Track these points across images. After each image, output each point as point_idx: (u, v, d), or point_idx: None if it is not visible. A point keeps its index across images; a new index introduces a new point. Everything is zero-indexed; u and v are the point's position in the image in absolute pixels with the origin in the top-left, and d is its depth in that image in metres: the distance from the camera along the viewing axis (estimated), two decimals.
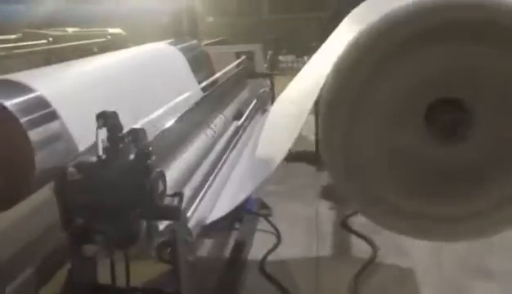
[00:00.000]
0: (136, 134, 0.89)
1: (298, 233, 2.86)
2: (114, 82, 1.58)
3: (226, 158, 1.68)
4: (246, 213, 2.90)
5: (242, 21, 9.40)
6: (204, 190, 1.35)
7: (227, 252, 2.58)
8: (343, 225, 2.90)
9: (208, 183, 1.40)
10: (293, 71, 6.93)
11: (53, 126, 1.19)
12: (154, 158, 0.90)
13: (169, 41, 2.49)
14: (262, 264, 2.51)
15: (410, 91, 1.24)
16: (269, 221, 2.94)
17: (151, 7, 5.34)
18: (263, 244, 2.70)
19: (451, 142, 1.29)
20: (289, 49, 8.70)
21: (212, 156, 1.65)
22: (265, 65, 3.58)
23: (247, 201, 2.99)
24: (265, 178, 1.38)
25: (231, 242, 2.67)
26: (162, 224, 1.10)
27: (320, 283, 2.36)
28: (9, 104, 1.10)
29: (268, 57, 3.91)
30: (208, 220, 1.28)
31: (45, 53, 3.08)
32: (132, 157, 0.88)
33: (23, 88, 1.20)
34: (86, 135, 1.24)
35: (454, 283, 2.29)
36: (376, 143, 1.29)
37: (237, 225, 2.84)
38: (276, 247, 2.69)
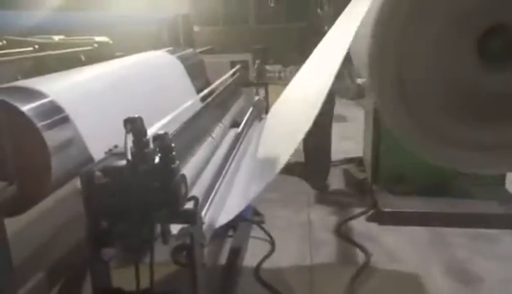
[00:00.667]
0: (162, 139, 0.91)
1: (292, 239, 2.90)
2: (120, 88, 1.60)
3: (230, 164, 1.71)
4: (240, 220, 2.92)
5: (229, 31, 9.48)
6: (212, 195, 1.38)
7: (223, 260, 2.59)
8: (338, 233, 2.95)
9: (216, 188, 1.43)
10: (281, 80, 7.01)
11: (67, 131, 1.20)
12: (177, 162, 0.92)
13: (167, 49, 2.52)
14: (257, 270, 2.53)
15: (462, 14, 1.22)
16: (263, 228, 2.97)
17: (139, 16, 5.34)
18: (258, 251, 2.73)
19: (504, 69, 1.27)
20: (276, 59, 8.79)
21: (215, 162, 1.68)
22: (253, 75, 3.64)
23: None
24: (270, 180, 1.41)
25: (226, 250, 2.68)
26: (175, 229, 1.13)
27: (314, 287, 2.40)
28: (25, 109, 1.11)
29: (256, 67, 3.97)
30: (218, 224, 1.31)
31: (31, 60, 3.04)
32: (157, 161, 0.90)
33: (36, 94, 1.22)
34: (96, 140, 1.27)
35: (444, 288, 2.36)
36: (429, 72, 1.27)
37: (231, 233, 2.86)
38: (270, 254, 2.71)
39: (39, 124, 1.10)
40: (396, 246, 2.75)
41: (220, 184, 1.48)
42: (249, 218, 3.05)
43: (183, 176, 0.96)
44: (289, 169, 3.69)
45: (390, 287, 2.39)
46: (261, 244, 2.84)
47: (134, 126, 0.88)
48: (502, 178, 3.26)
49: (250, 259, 2.66)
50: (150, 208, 0.90)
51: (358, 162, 4.11)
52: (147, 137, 0.91)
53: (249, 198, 1.46)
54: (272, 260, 2.67)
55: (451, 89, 1.29)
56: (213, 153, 1.84)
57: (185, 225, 1.08)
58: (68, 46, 3.60)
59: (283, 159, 1.46)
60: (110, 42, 4.21)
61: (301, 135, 1.46)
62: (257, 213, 3.21)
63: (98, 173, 0.91)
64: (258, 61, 4.09)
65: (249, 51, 4.42)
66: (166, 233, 1.05)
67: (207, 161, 1.71)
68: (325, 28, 3.24)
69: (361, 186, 3.64)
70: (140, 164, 0.89)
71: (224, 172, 1.58)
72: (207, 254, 2.60)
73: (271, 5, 9.56)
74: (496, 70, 1.27)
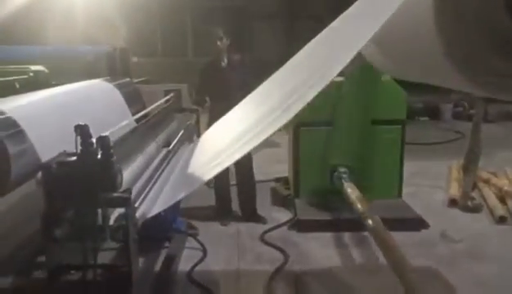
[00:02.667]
0: (103, 140, 1.24)
1: (222, 247, 3.23)
2: (65, 108, 1.90)
3: (160, 173, 2.04)
4: (175, 232, 3.21)
5: (167, 62, 9.82)
6: (143, 196, 1.70)
7: (158, 267, 2.86)
8: (262, 240, 3.33)
9: (149, 187, 1.76)
10: None
11: (22, 141, 1.50)
12: (115, 157, 1.25)
13: (105, 78, 2.83)
14: (190, 273, 2.84)
15: None
16: (196, 239, 3.29)
17: (77, 48, 5.58)
18: (193, 258, 3.03)
19: None
20: None
21: (148, 171, 2.01)
22: (194, 106, 3.97)
23: (175, 221, 3.32)
24: (192, 190, 1.75)
25: (162, 258, 2.95)
26: (113, 216, 1.44)
27: (240, 285, 2.75)
28: None
29: (194, 97, 4.30)
30: (150, 214, 1.63)
31: None
32: (99, 156, 1.22)
33: None
34: (45, 148, 1.56)
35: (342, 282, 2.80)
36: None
37: (167, 244, 3.14)
38: (202, 259, 3.03)
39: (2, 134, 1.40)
40: (310, 247, 3.19)
41: (153, 185, 1.81)
42: (183, 230, 3.35)
43: (119, 168, 1.29)
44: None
45: (305, 279, 2.79)
46: (195, 253, 3.14)
47: (82, 130, 1.21)
48: (400, 192, 3.86)
49: (184, 265, 2.95)
50: (93, 193, 1.22)
51: (284, 181, 4.56)
52: (91, 139, 1.23)
53: (175, 199, 1.80)
54: (204, 265, 2.98)
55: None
56: (146, 165, 2.17)
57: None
58: (2, 74, 3.77)
59: (205, 178, 1.80)
60: (46, 71, 4.40)
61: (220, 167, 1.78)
62: (191, 226, 3.52)
63: (54, 166, 1.21)
64: (194, 91, 4.39)
65: (187, 82, 4.78)
66: (106, 217, 1.37)
67: (141, 170, 2.03)
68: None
69: (285, 201, 4.07)
70: (86, 159, 1.21)
71: (155, 178, 1.92)
72: (143, 262, 2.87)
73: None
74: None
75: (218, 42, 3.66)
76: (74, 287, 1.35)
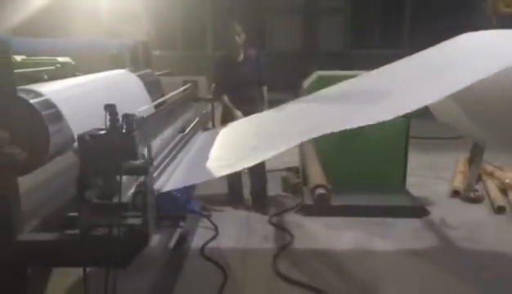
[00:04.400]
0: (127, 117, 1.48)
1: (232, 228, 3.48)
2: (93, 93, 2.16)
3: (174, 156, 2.29)
4: (190, 212, 3.47)
5: (187, 55, 10.12)
6: (158, 172, 1.95)
7: (172, 243, 3.12)
8: (270, 222, 3.57)
9: (164, 165, 2.01)
10: None
11: (59, 119, 1.76)
12: (136, 132, 1.50)
13: (129, 69, 3.09)
14: (202, 249, 3.09)
15: None
16: (209, 219, 3.54)
17: (99, 41, 5.85)
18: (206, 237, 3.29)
19: None
20: None
21: (165, 151, 2.25)
22: (209, 96, 4.19)
23: (189, 203, 3.57)
24: (208, 179, 1.95)
25: (176, 236, 3.21)
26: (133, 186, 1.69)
27: (247, 261, 2.99)
28: (33, 102, 1.66)
29: (211, 89, 4.53)
30: (164, 190, 1.86)
31: None
32: (124, 130, 1.47)
33: (37, 94, 1.77)
34: (78, 126, 1.81)
35: (349, 256, 3.01)
36: None
37: (182, 224, 3.40)
38: (214, 237, 3.28)
39: (43, 112, 1.66)
40: (314, 230, 3.40)
41: (167, 165, 2.06)
42: (197, 211, 3.61)
43: (139, 141, 1.53)
44: None
45: (307, 258, 3.01)
46: (207, 232, 3.40)
47: (111, 109, 1.46)
48: (403, 183, 4.03)
49: (197, 242, 3.21)
50: (119, 160, 1.46)
51: (295, 170, 4.77)
52: (118, 116, 1.48)
53: (193, 182, 2.00)
54: (215, 242, 3.23)
55: None
56: (162, 147, 2.42)
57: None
58: (31, 65, 4.06)
59: (227, 170, 1.95)
60: (73, 62, 4.69)
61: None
62: (205, 208, 3.78)
63: (88, 137, 1.46)
64: (213, 84, 4.55)
65: (206, 75, 5.00)
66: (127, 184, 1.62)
67: (158, 150, 2.29)
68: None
69: (295, 188, 4.29)
70: (113, 132, 1.45)
71: (169, 159, 2.17)
72: (159, 238, 3.13)
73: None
74: None
75: (236, 37, 3.80)
76: (100, 241, 1.60)
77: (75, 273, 2.08)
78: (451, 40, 2.51)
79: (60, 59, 4.55)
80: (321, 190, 2.02)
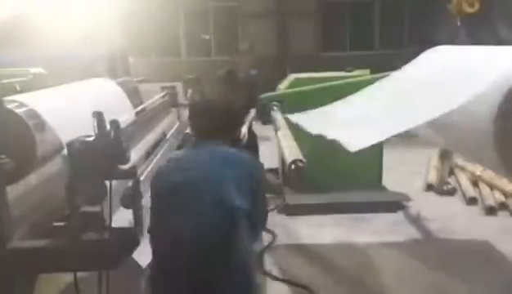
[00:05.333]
0: (115, 123, 1.53)
1: None
2: (75, 102, 2.19)
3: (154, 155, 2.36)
4: None
5: (161, 62, 10.11)
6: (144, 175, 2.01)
7: None
8: None
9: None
10: None
11: (44, 128, 1.79)
12: (124, 137, 1.55)
13: (108, 77, 3.12)
14: None
15: None
16: None
17: (73, 49, 5.79)
18: None
19: None
20: None
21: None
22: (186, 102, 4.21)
23: None
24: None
25: None
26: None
27: None
28: (19, 111, 1.69)
29: (188, 95, 4.55)
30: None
31: None
32: (112, 136, 1.52)
33: (22, 104, 1.80)
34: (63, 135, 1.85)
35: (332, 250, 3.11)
36: None
37: None
38: None
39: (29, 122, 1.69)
40: (296, 228, 3.50)
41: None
42: None
43: (128, 147, 1.58)
44: None
45: (291, 255, 3.10)
46: None
47: (99, 116, 1.51)
48: (380, 179, 4.18)
49: None
50: (108, 165, 1.51)
51: (275, 171, 4.86)
52: (105, 123, 1.53)
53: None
54: None
55: None
56: (145, 150, 2.47)
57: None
58: (2, 77, 4.01)
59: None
60: (45, 72, 4.64)
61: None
62: None
63: (77, 143, 1.50)
64: (190, 90, 4.54)
65: (181, 81, 5.03)
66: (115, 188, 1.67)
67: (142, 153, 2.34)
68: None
69: (276, 190, 4.37)
70: (102, 138, 1.50)
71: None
72: None
73: (207, 37, 10.40)
74: None
75: (241, 56, 3.81)
76: (91, 245, 1.63)
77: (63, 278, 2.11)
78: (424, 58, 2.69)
79: (33, 69, 4.50)
80: (298, 163, 2.15)
